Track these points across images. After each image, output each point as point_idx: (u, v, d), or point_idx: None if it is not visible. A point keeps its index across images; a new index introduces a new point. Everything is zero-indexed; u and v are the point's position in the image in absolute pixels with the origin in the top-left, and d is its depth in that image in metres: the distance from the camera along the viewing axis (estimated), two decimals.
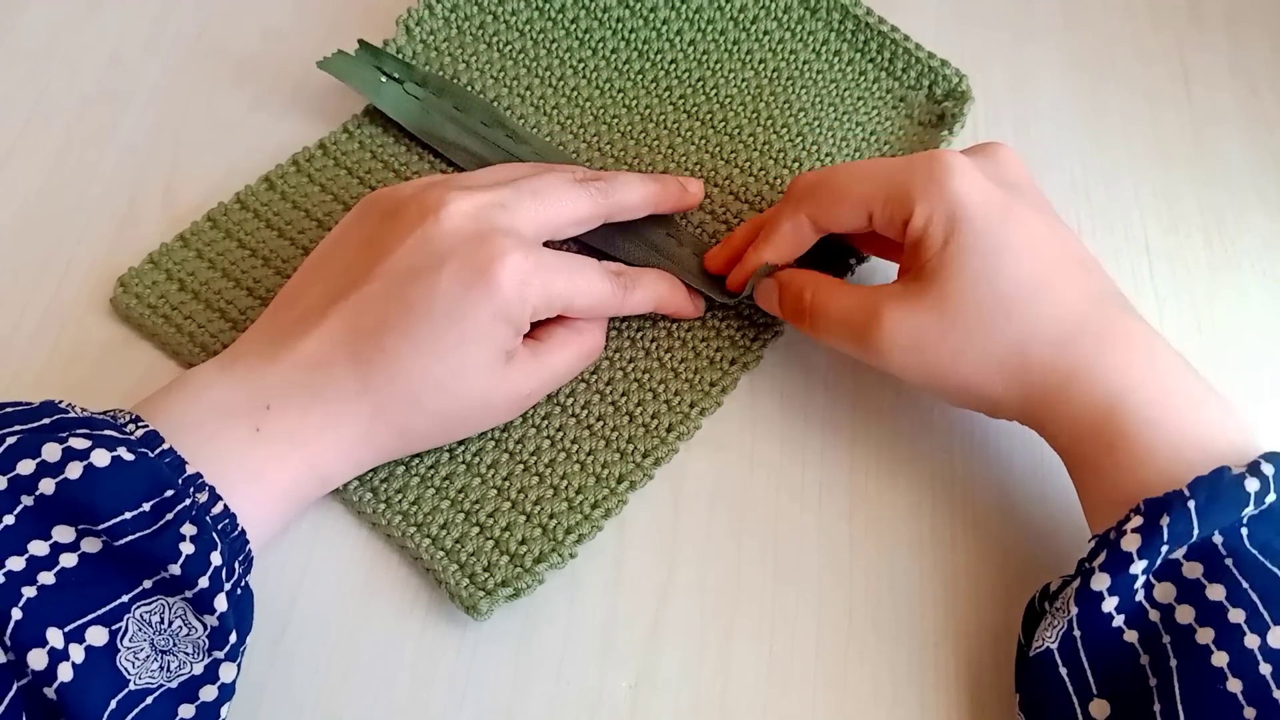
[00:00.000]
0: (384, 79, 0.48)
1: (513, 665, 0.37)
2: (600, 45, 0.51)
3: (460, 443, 0.40)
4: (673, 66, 0.51)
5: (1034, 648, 0.33)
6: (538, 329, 0.39)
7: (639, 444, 0.41)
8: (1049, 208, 0.38)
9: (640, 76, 0.51)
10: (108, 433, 0.32)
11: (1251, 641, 0.30)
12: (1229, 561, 0.31)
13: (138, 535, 0.30)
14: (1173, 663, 0.31)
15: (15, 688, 0.29)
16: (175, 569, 0.31)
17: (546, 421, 0.41)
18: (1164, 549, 0.31)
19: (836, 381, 0.44)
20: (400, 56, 0.49)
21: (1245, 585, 0.31)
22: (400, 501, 0.39)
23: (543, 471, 0.40)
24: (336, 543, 0.39)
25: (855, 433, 0.42)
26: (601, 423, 0.41)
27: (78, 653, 0.29)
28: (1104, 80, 0.54)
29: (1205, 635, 0.31)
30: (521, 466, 0.40)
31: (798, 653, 0.38)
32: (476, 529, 0.38)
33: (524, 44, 0.51)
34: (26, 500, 0.30)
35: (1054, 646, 0.33)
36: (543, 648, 0.37)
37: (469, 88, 0.49)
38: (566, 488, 0.39)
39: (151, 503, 0.31)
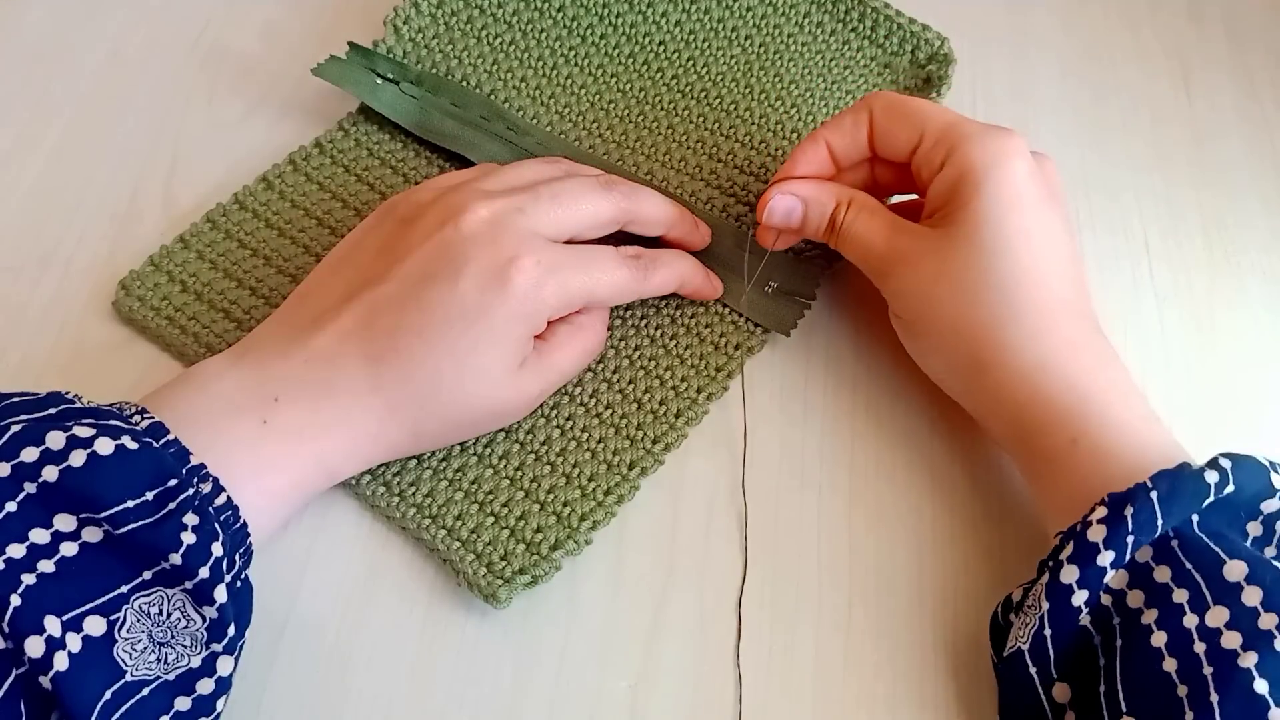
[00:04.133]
0: (379, 81, 0.48)
1: (513, 665, 0.37)
2: (589, 32, 0.52)
3: None
4: (661, 48, 0.52)
5: (1007, 648, 0.34)
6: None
7: (648, 430, 0.41)
8: (1072, 228, 0.39)
9: (631, 60, 0.51)
10: (112, 422, 0.32)
11: (1190, 621, 0.31)
12: (1174, 544, 0.33)
13: (139, 524, 0.31)
14: (1118, 643, 0.32)
15: (14, 674, 0.29)
16: (176, 558, 0.31)
17: (556, 411, 0.41)
18: (1129, 540, 0.32)
19: (836, 381, 0.44)
20: (391, 56, 0.50)
21: (1189, 566, 0.32)
22: (414, 495, 0.39)
23: (554, 460, 0.40)
24: (336, 543, 0.39)
25: (855, 433, 0.42)
26: (610, 410, 0.41)
27: (74, 642, 0.29)
28: (1103, 80, 0.54)
29: (1149, 616, 0.32)
30: (533, 456, 0.40)
31: (797, 653, 0.38)
32: (491, 519, 0.39)
33: (513, 36, 0.51)
34: (29, 488, 0.30)
35: (1025, 647, 0.33)
36: (543, 648, 0.37)
37: (463, 83, 0.50)
38: (579, 475, 0.40)
39: (154, 492, 0.31)
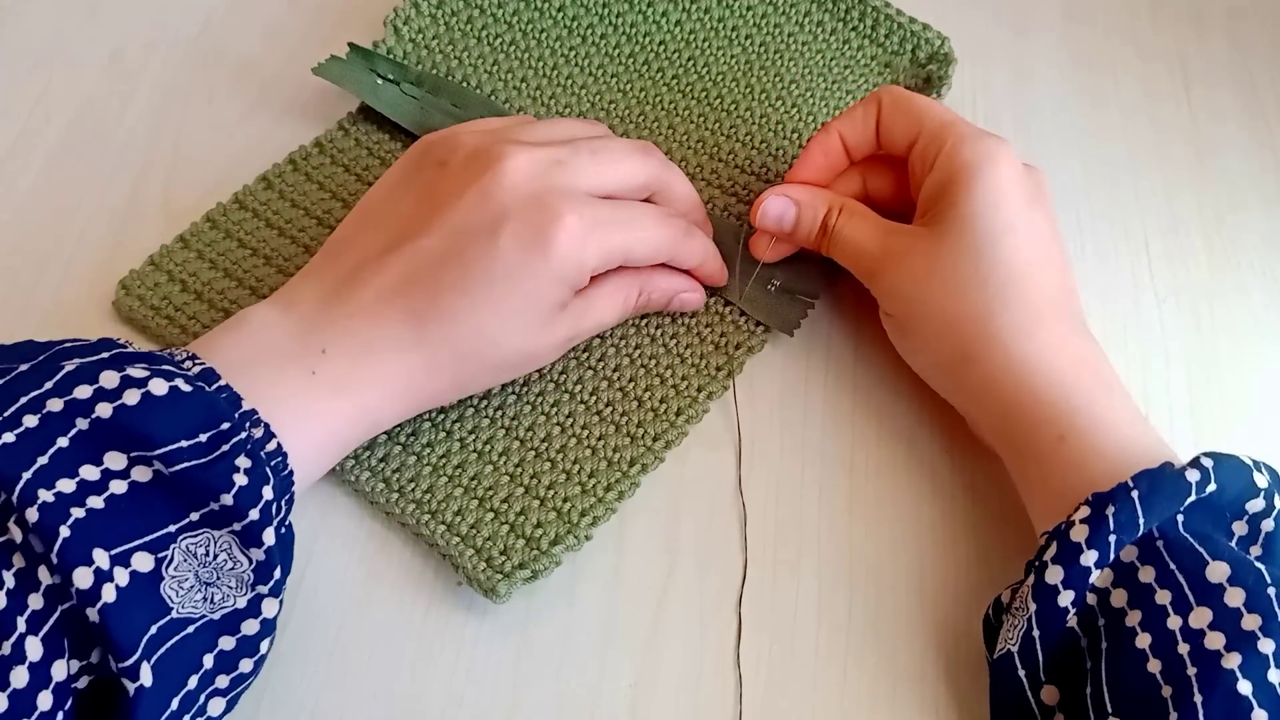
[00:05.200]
0: (380, 81, 0.48)
1: (513, 665, 0.37)
2: (589, 32, 0.52)
3: (470, 430, 0.40)
4: (662, 48, 0.52)
5: (997, 650, 0.34)
6: None
7: (649, 428, 0.41)
8: (1060, 236, 0.39)
9: (631, 60, 0.51)
10: (165, 366, 0.32)
11: (1174, 623, 0.31)
12: (1160, 544, 0.33)
13: (192, 464, 0.31)
14: (1104, 645, 0.32)
15: (59, 611, 0.29)
16: (228, 499, 0.31)
17: (556, 409, 0.41)
18: (1112, 539, 0.32)
19: (836, 381, 0.44)
20: (392, 57, 0.50)
21: (1173, 567, 0.32)
22: (413, 490, 0.39)
23: (554, 457, 0.40)
24: (336, 543, 0.39)
25: (855, 433, 0.42)
26: (610, 408, 0.41)
27: (122, 576, 0.30)
28: (1104, 79, 0.54)
29: (1134, 618, 0.32)
30: (533, 453, 0.40)
31: (798, 653, 0.38)
32: (491, 514, 0.39)
33: (513, 36, 0.51)
34: (81, 424, 0.31)
35: (1014, 649, 0.33)
36: (543, 648, 0.37)
37: (464, 84, 0.50)
38: (579, 472, 0.40)
39: (208, 434, 0.31)
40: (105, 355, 0.33)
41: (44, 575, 0.29)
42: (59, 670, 0.29)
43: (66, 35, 0.52)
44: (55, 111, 0.49)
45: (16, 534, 0.29)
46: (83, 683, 0.30)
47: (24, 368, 0.31)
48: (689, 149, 0.49)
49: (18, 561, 0.29)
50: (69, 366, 0.31)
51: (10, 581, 0.29)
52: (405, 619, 0.38)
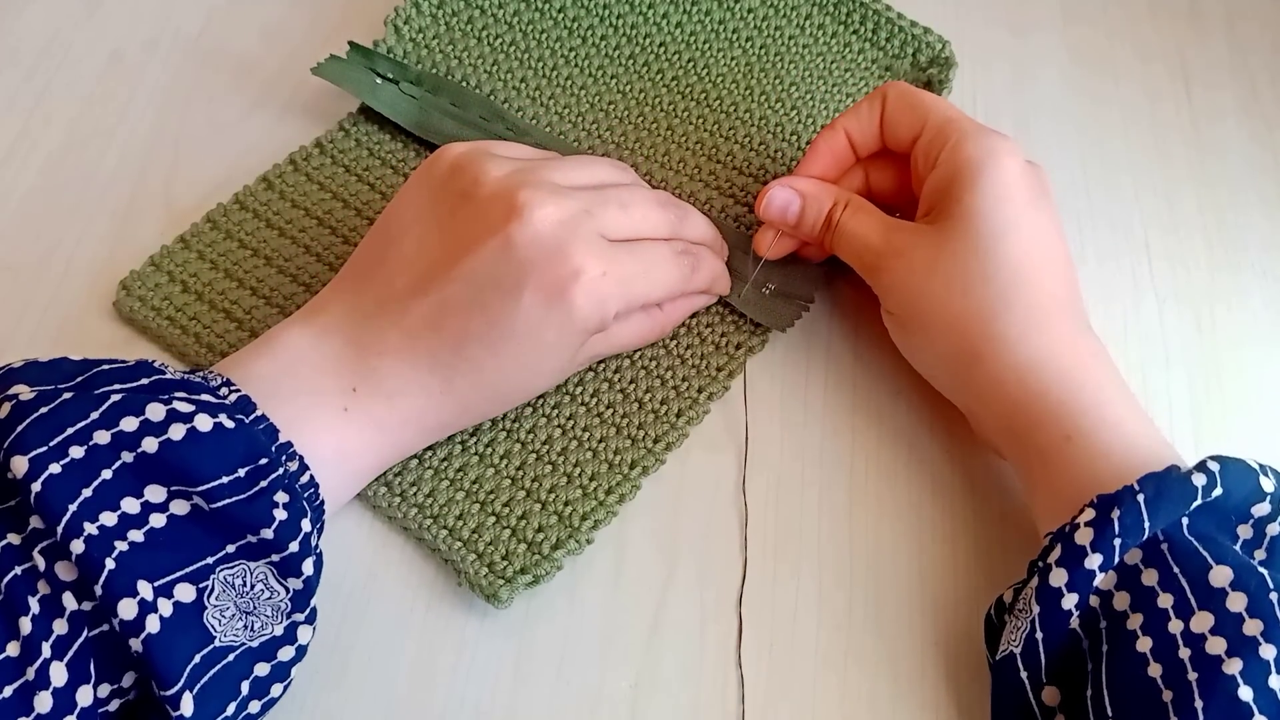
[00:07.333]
0: (379, 80, 0.48)
1: (513, 665, 0.37)
2: (589, 33, 0.52)
3: (472, 434, 0.40)
4: (662, 50, 0.51)
5: (1000, 651, 0.34)
6: None
7: (649, 430, 0.41)
8: (1063, 232, 0.39)
9: (631, 61, 0.51)
10: (205, 397, 0.33)
11: (1175, 627, 0.31)
12: (1164, 547, 0.33)
13: (233, 500, 0.31)
14: (1105, 648, 0.32)
15: (84, 637, 0.30)
16: (268, 533, 0.32)
17: (557, 411, 0.41)
18: (1116, 543, 0.32)
19: (836, 382, 0.44)
20: (392, 56, 0.50)
21: (1176, 570, 0.32)
22: (415, 495, 0.39)
23: (555, 460, 0.40)
24: (336, 545, 0.39)
25: (855, 432, 0.42)
26: (611, 410, 0.41)
27: (166, 607, 0.30)
28: (1104, 79, 0.54)
29: (1135, 621, 0.32)
30: (534, 456, 0.40)
31: (798, 653, 0.38)
32: (493, 519, 0.39)
33: (514, 36, 0.51)
34: (126, 457, 0.31)
35: (1017, 651, 0.33)
36: (543, 648, 0.37)
37: (463, 84, 0.50)
38: (580, 475, 0.40)
39: (246, 469, 0.32)
40: (145, 381, 0.33)
41: (69, 601, 0.29)
42: (84, 696, 0.30)
43: (66, 35, 0.52)
44: (55, 111, 0.49)
45: (40, 562, 0.30)
46: (114, 706, 0.31)
47: (67, 395, 0.31)
48: (688, 150, 0.49)
49: (43, 588, 0.30)
50: (115, 397, 0.31)
51: (35, 608, 0.29)
52: (405, 619, 0.38)
